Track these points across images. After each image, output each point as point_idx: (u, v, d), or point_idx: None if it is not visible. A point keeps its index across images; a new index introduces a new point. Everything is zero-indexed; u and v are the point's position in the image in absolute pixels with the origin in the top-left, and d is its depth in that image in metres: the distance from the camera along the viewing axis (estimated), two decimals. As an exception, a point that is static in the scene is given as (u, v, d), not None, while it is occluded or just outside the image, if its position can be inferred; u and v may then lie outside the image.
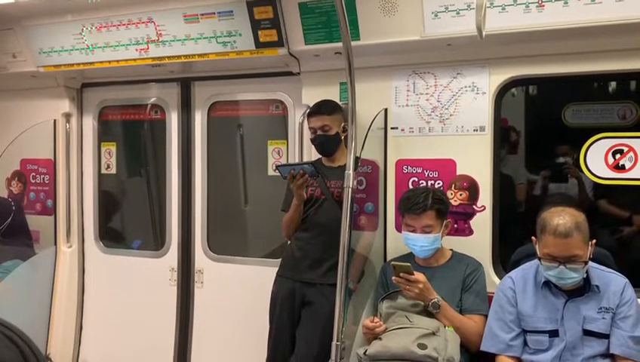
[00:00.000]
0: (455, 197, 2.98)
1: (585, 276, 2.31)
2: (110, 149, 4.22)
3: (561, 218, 2.24)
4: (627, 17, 2.47)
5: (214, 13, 3.18)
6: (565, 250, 2.22)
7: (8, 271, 3.74)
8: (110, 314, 4.16)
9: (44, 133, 4.07)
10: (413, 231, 2.68)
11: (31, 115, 4.07)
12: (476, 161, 2.95)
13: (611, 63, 2.71)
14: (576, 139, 2.98)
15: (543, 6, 2.57)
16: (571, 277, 2.25)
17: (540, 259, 2.32)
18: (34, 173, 4.19)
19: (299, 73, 3.35)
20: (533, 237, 2.38)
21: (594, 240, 2.30)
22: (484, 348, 2.50)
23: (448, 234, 2.80)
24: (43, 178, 4.15)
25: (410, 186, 3.04)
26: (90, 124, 4.20)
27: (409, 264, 2.55)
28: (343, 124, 3.01)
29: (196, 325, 3.95)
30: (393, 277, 2.56)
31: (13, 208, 3.97)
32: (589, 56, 2.72)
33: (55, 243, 4.12)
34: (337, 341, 2.45)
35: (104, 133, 4.24)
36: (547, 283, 2.39)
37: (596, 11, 2.50)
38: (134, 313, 4.07)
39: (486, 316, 2.58)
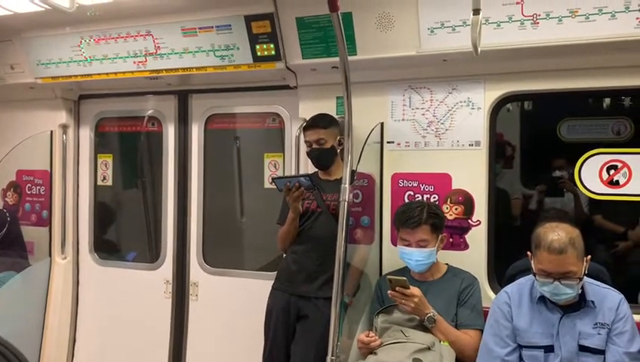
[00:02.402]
0: (450, 212, 2.98)
1: (580, 291, 2.31)
2: (106, 161, 4.22)
3: (556, 234, 2.24)
4: (620, 35, 2.50)
5: (213, 27, 3.20)
6: (559, 266, 2.22)
7: (2, 283, 3.72)
8: (104, 327, 4.14)
9: (41, 145, 4.08)
10: (408, 246, 2.68)
11: (28, 126, 4.09)
12: (472, 176, 2.96)
13: (606, 80, 2.73)
14: (571, 154, 3.00)
15: (538, 23, 2.60)
16: (566, 293, 2.25)
17: (534, 274, 2.32)
18: (30, 184, 4.18)
19: (296, 87, 3.38)
20: (528, 253, 2.38)
21: (589, 256, 2.30)
22: (479, 363, 2.49)
23: (444, 249, 2.80)
24: (39, 189, 4.15)
25: (406, 200, 3.05)
26: (87, 135, 4.22)
27: (405, 278, 2.55)
28: (338, 138, 3.03)
29: (191, 338, 3.93)
30: (389, 291, 2.55)
31: (8, 219, 3.96)
32: (584, 72, 2.75)
33: (50, 255, 4.11)
34: (332, 355, 2.42)
35: (101, 145, 4.24)
36: (543, 298, 2.38)
37: (590, 29, 2.53)
38: (128, 325, 4.05)
39: (481, 331, 2.57)
